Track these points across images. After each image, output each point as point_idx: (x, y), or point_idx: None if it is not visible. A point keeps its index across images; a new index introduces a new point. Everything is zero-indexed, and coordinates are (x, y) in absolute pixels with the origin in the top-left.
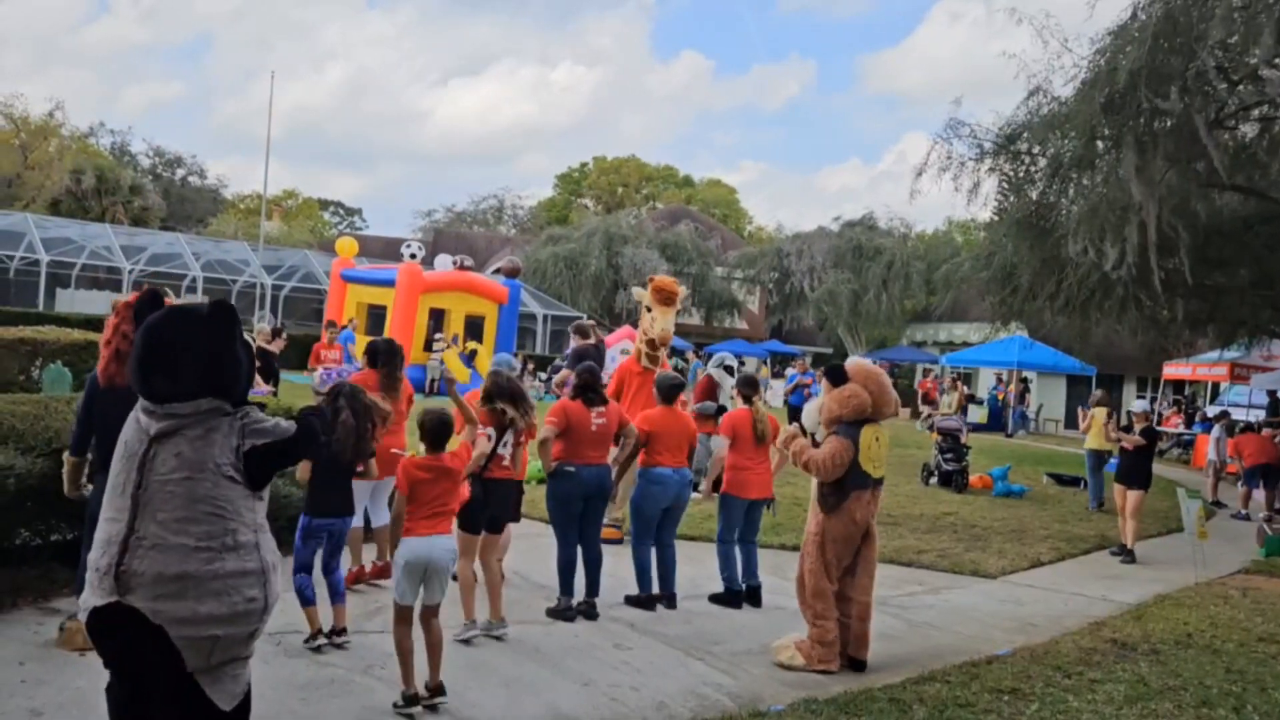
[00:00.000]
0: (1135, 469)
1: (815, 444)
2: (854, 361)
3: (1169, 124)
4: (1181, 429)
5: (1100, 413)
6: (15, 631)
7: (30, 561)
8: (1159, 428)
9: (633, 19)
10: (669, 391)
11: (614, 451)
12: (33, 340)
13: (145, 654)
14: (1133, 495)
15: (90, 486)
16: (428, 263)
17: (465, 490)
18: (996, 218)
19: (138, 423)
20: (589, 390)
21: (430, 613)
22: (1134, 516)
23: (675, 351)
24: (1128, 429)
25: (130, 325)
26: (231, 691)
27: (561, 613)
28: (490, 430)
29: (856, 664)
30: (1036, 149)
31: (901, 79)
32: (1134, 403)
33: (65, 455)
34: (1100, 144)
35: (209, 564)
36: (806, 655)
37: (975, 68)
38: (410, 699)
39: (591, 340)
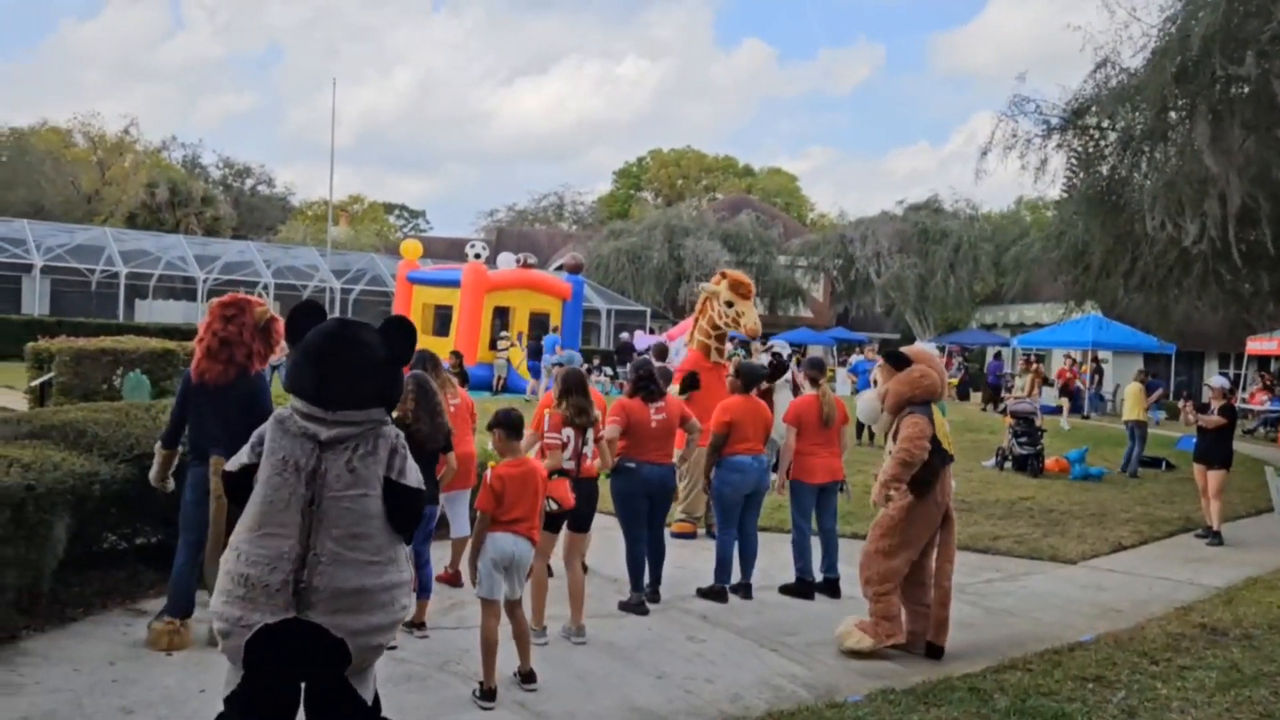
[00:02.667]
0: (1215, 448)
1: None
2: (912, 346)
3: (1245, 91)
4: (1268, 406)
5: (1135, 387)
6: (105, 632)
7: (117, 565)
8: (1245, 405)
9: (695, 9)
10: (749, 379)
11: (678, 451)
12: (114, 350)
13: (315, 665)
14: (1214, 475)
15: (172, 482)
16: (491, 262)
17: (570, 498)
18: (1065, 195)
19: (298, 430)
20: (646, 385)
21: (514, 605)
22: (1217, 497)
23: (741, 343)
24: (1205, 408)
25: (220, 324)
26: (371, 685)
27: (634, 607)
28: (559, 434)
29: (934, 650)
30: (1106, 123)
31: (972, 58)
32: (1212, 379)
33: (157, 447)
34: (1173, 114)
35: (378, 577)
36: (873, 634)
37: (1047, 43)
38: (489, 693)
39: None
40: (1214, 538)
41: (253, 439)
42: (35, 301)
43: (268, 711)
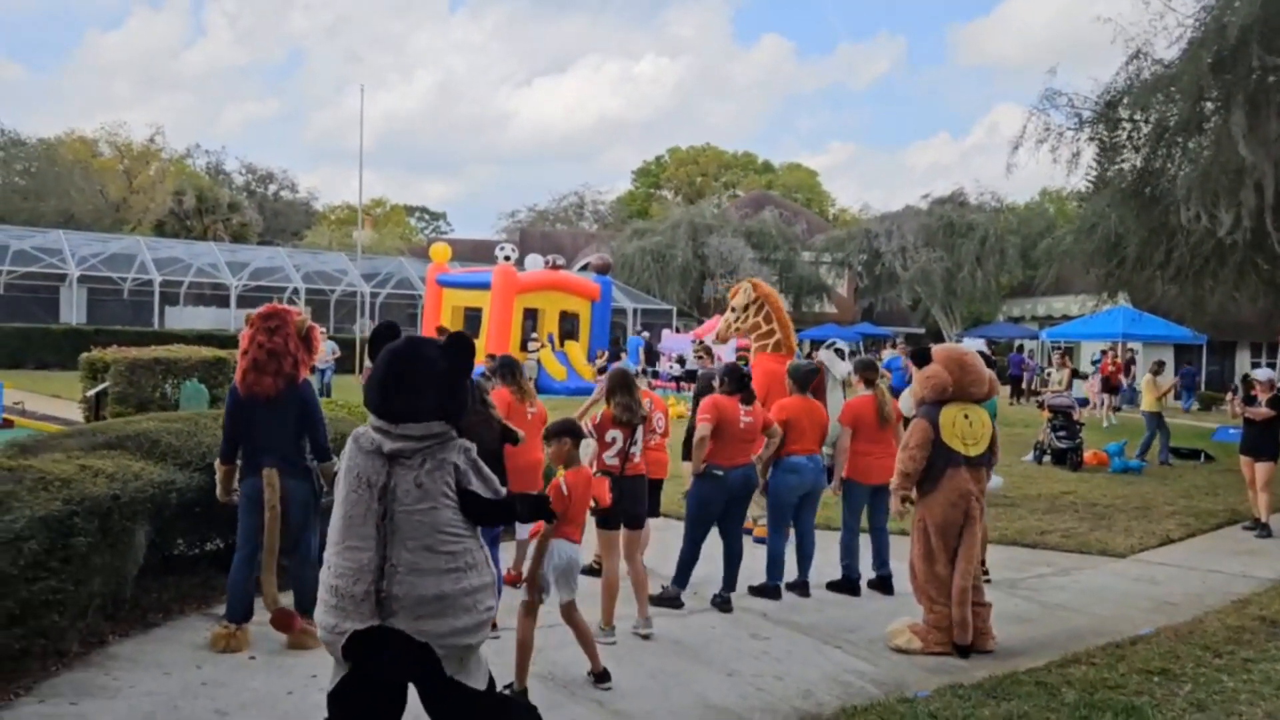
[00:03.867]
0: (1262, 440)
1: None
2: (941, 345)
3: None
4: None
5: (1148, 379)
6: (186, 637)
7: (190, 570)
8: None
9: (715, 6)
10: (804, 379)
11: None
12: (166, 359)
13: (406, 669)
14: (1261, 467)
15: (238, 492)
16: (519, 264)
17: (606, 496)
18: (1096, 187)
19: (370, 445)
20: (745, 386)
21: (572, 608)
22: (1265, 489)
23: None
24: (1251, 400)
25: (264, 336)
26: (481, 673)
27: (668, 600)
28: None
29: (960, 650)
30: (1139, 115)
31: (993, 49)
32: (1257, 372)
33: (216, 464)
34: (1209, 105)
35: (458, 583)
36: (923, 639)
37: (1070, 34)
38: (521, 693)
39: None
40: (1262, 530)
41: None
42: (73, 311)
43: (371, 708)
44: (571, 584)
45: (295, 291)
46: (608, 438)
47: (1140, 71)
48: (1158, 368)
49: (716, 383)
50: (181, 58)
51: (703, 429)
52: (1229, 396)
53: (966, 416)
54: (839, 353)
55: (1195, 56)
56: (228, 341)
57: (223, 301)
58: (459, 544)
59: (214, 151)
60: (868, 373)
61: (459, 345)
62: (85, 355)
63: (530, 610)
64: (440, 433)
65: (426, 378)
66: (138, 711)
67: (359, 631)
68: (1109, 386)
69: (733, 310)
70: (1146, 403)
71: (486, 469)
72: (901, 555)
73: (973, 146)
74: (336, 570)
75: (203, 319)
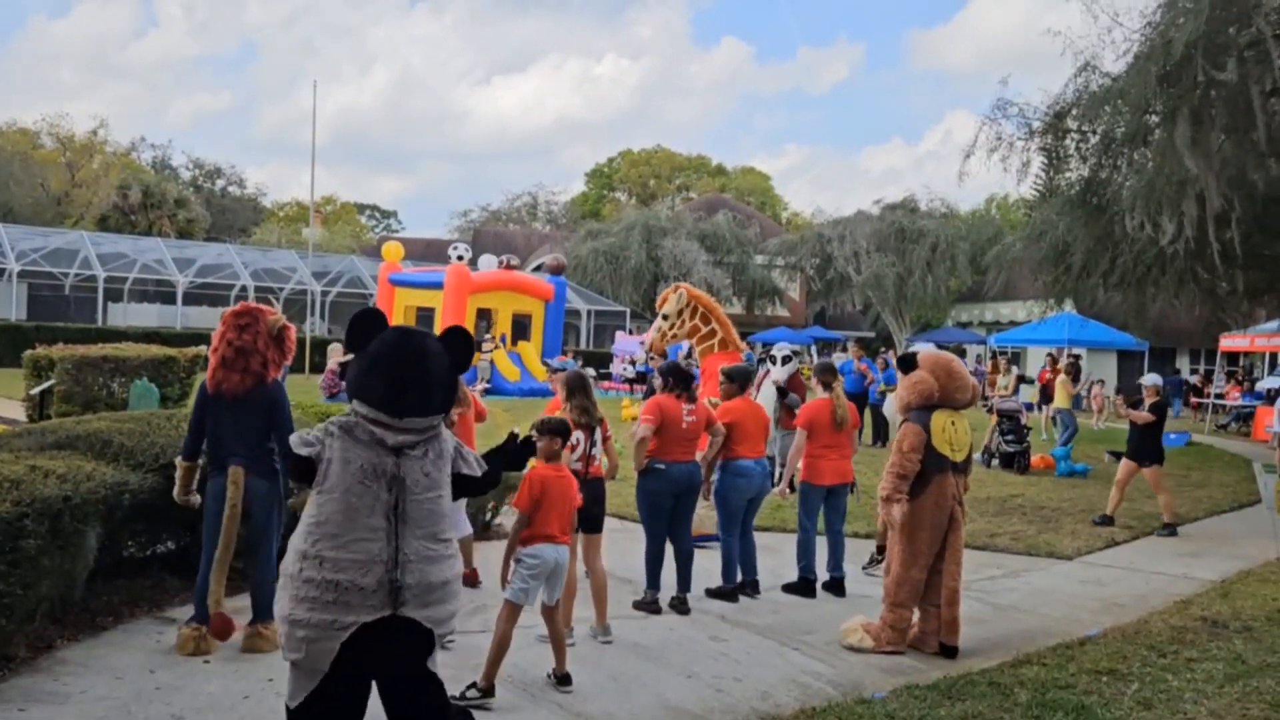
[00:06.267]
0: (1142, 444)
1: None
2: (926, 351)
3: (1225, 95)
4: (1241, 401)
5: (1061, 379)
6: (138, 641)
7: (142, 573)
8: (1219, 400)
9: (676, 7)
10: (745, 380)
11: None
12: (115, 357)
13: (403, 657)
14: (1148, 472)
15: (199, 497)
16: (473, 263)
17: (578, 496)
18: (1044, 195)
19: (367, 437)
20: (687, 385)
21: (552, 610)
22: (1160, 490)
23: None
24: (1137, 404)
25: (234, 333)
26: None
27: (648, 605)
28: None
29: (948, 649)
30: (1087, 126)
31: (950, 56)
32: (1145, 377)
33: (178, 460)
34: (1154, 118)
35: (454, 569)
36: (875, 637)
37: (1026, 41)
38: (489, 690)
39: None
40: (1168, 530)
41: (308, 435)
42: (12, 307)
43: (339, 716)
44: (556, 586)
45: (243, 289)
46: (571, 440)
47: (1088, 84)
48: (1069, 369)
49: (658, 382)
50: (131, 48)
51: (644, 430)
52: (1115, 399)
53: (954, 423)
54: (771, 360)
55: (1142, 70)
56: (173, 339)
57: (168, 299)
58: (452, 531)
59: (160, 145)
60: (825, 376)
61: (459, 340)
62: (30, 353)
63: (514, 612)
64: (438, 425)
65: (435, 375)
66: (90, 716)
67: (368, 624)
68: (1047, 396)
69: (664, 318)
70: (1059, 400)
71: (467, 449)
72: (848, 556)
73: (925, 152)
74: (337, 565)
75: (148, 316)
